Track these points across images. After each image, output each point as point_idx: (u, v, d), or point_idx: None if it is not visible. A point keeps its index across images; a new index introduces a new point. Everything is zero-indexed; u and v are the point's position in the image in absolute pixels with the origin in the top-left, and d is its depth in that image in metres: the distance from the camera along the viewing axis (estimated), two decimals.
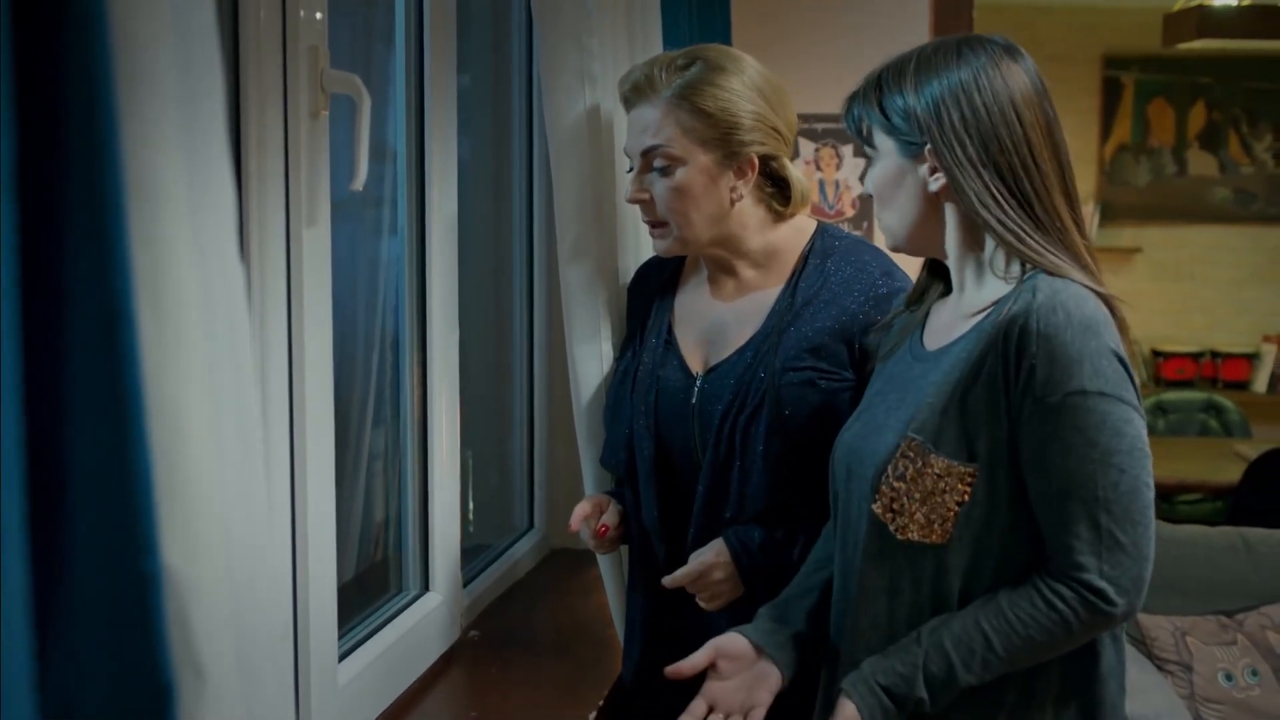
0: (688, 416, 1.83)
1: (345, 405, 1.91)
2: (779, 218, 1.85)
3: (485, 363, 2.61)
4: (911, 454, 1.45)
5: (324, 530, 1.63)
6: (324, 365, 1.60)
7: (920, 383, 1.50)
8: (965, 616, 1.44)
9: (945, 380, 1.46)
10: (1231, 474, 4.68)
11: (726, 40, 2.54)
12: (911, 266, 1.72)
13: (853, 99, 1.57)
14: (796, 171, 1.86)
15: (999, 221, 1.46)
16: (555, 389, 2.67)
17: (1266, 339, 6.74)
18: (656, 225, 1.83)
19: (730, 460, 1.78)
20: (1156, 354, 6.75)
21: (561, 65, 1.96)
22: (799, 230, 1.87)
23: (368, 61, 2.04)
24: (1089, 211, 6.41)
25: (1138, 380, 1.44)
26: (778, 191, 1.85)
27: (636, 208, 1.87)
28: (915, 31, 3.05)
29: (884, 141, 1.53)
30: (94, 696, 0.78)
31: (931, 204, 1.52)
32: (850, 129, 1.59)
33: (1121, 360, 1.41)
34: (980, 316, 1.49)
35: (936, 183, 1.49)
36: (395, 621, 1.97)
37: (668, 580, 1.80)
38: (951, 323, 1.54)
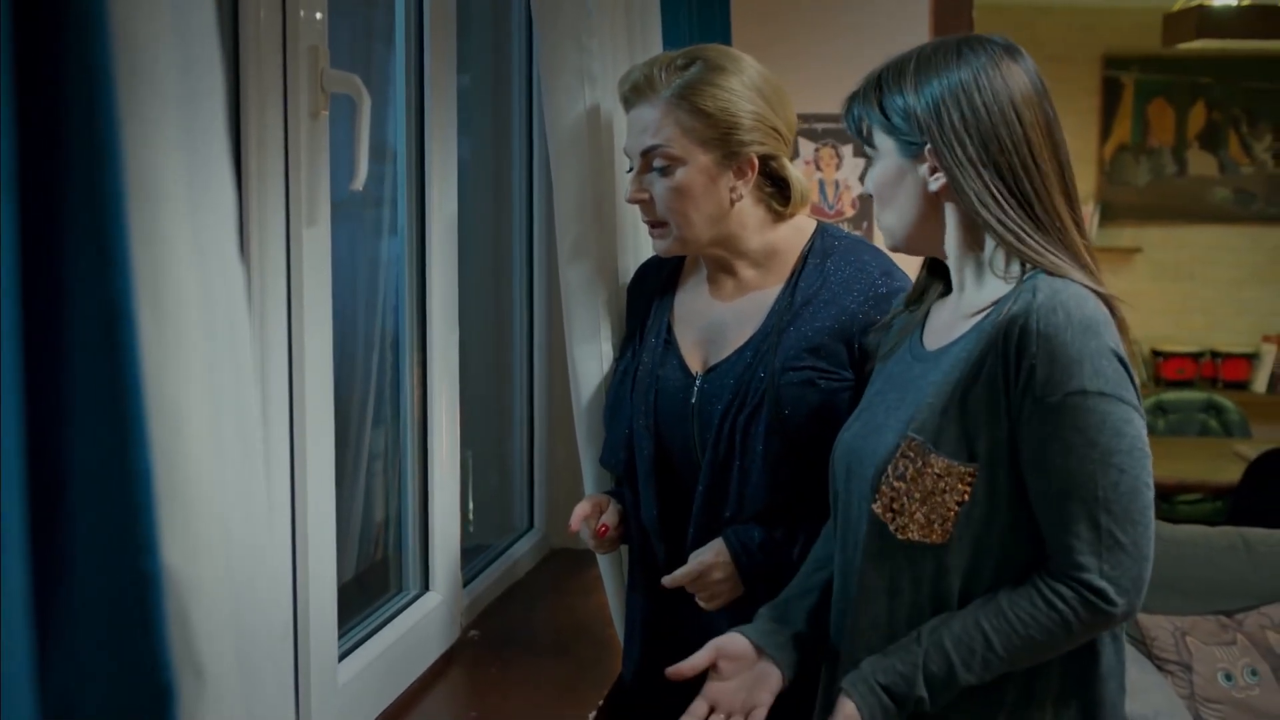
0: (687, 416, 1.83)
1: (345, 405, 1.91)
2: (779, 217, 1.85)
3: (485, 363, 2.61)
4: (911, 454, 1.45)
5: (324, 530, 1.64)
6: (324, 365, 1.60)
7: (920, 383, 1.50)
8: (965, 616, 1.44)
9: (945, 380, 1.46)
10: (1231, 474, 4.68)
11: (726, 40, 2.54)
12: (911, 266, 1.72)
13: (853, 99, 1.57)
14: (796, 171, 1.86)
15: (999, 221, 1.46)
16: (555, 389, 2.67)
17: (1266, 339, 6.74)
18: (656, 225, 1.83)
19: (730, 460, 1.78)
20: (1156, 354, 6.75)
21: (561, 65, 1.97)
22: (798, 230, 1.87)
23: (368, 61, 2.04)
24: (1089, 211, 6.41)
25: (1138, 380, 1.44)
26: (777, 191, 1.85)
27: (636, 208, 1.87)
28: (915, 31, 3.05)
29: (884, 141, 1.53)
30: (94, 696, 0.78)
31: (931, 204, 1.52)
32: (850, 129, 1.59)
33: (1121, 360, 1.41)
34: (980, 316, 1.49)
35: (936, 182, 1.49)
36: (395, 621, 1.97)
37: (667, 580, 1.80)
38: (951, 323, 1.55)
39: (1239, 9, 5.13)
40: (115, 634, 0.78)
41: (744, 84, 1.78)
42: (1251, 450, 4.81)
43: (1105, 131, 6.81)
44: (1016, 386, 1.40)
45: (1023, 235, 1.45)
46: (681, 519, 1.83)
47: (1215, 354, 6.76)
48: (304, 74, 1.51)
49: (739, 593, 1.78)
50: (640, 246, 2.05)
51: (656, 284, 1.96)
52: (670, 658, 1.60)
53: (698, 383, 1.84)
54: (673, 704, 1.59)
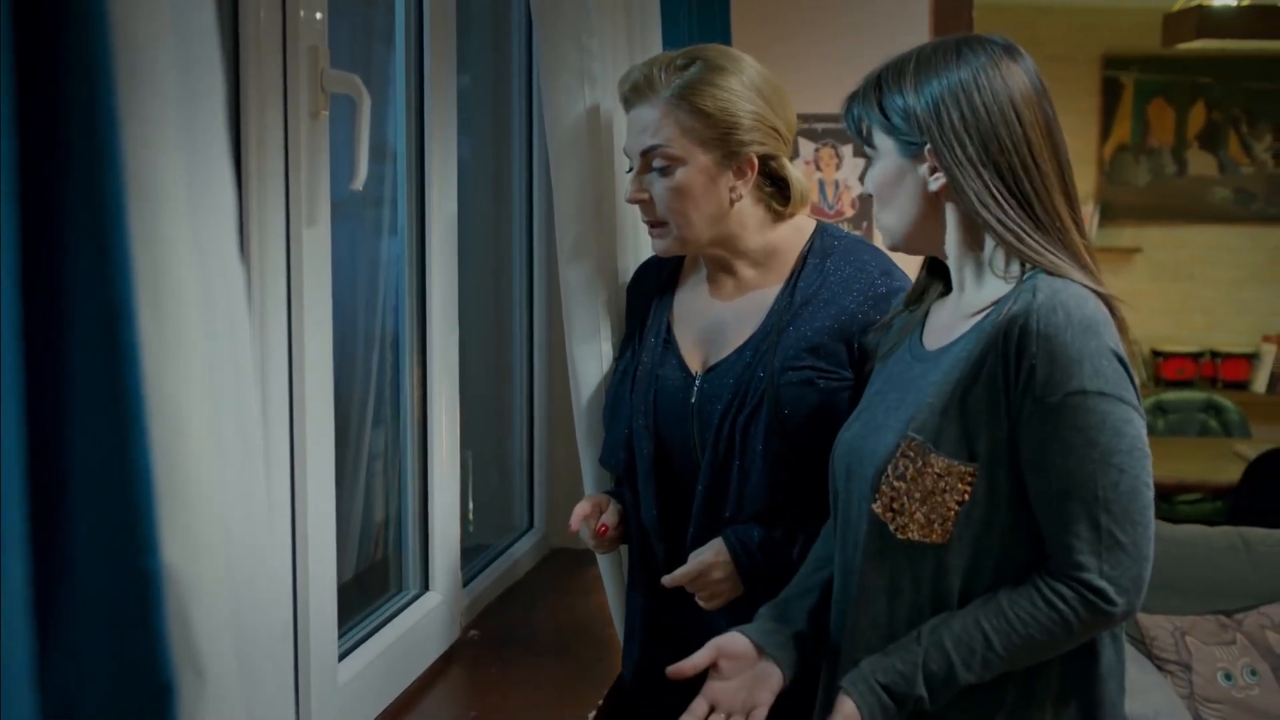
0: (687, 416, 1.83)
1: (345, 405, 1.91)
2: (778, 217, 1.85)
3: (485, 363, 2.61)
4: (912, 454, 1.45)
5: (324, 530, 1.64)
6: (324, 365, 1.60)
7: (920, 382, 1.50)
8: (965, 615, 1.45)
9: (945, 380, 1.46)
10: (1231, 474, 4.68)
11: (726, 40, 2.54)
12: (910, 266, 1.72)
13: (852, 99, 1.57)
14: (796, 171, 1.86)
15: (999, 221, 1.46)
16: (555, 389, 2.67)
17: (1266, 339, 6.74)
18: (656, 225, 1.84)
19: (729, 459, 1.79)
20: (1156, 354, 6.75)
21: (561, 65, 1.97)
22: (798, 230, 1.87)
23: (368, 61, 2.04)
24: (1089, 211, 6.41)
25: (1137, 380, 1.44)
26: (777, 191, 1.85)
27: (636, 208, 1.87)
28: (915, 31, 3.05)
29: (884, 141, 1.53)
30: (94, 695, 0.78)
31: (931, 204, 1.52)
32: (850, 129, 1.59)
33: (1121, 360, 1.42)
34: (980, 316, 1.49)
35: (936, 182, 1.50)
36: (395, 621, 1.97)
37: (667, 580, 1.80)
38: (951, 322, 1.55)
39: (1239, 9, 5.13)
40: (115, 633, 0.78)
41: (744, 84, 1.79)
42: (1251, 450, 4.81)
43: (1105, 131, 6.81)
44: (1016, 386, 1.40)
45: (1022, 235, 1.45)
46: (681, 519, 1.84)
47: (1215, 354, 6.76)
48: (304, 74, 1.51)
49: (739, 592, 1.78)
50: (640, 246, 2.05)
51: (656, 284, 1.96)
52: (670, 657, 1.59)
53: (697, 382, 1.84)
54: (673, 703, 1.59)
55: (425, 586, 2.10)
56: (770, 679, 1.57)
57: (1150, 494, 1.41)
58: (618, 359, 1.97)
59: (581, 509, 1.90)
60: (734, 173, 1.80)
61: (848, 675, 1.48)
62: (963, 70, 1.48)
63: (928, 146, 1.48)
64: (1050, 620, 1.41)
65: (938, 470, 1.43)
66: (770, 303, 1.83)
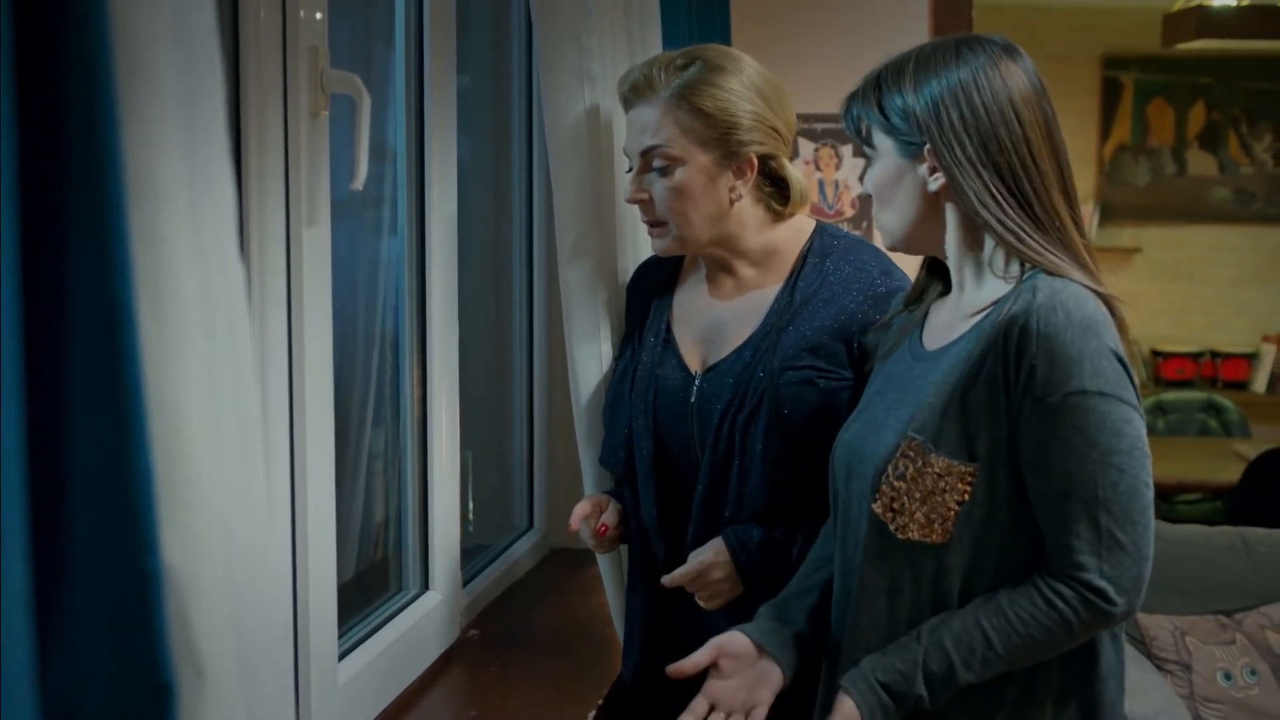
0: (686, 415, 1.83)
1: (345, 405, 1.91)
2: (778, 217, 1.86)
3: (485, 363, 2.61)
4: (912, 453, 1.45)
5: (324, 530, 1.64)
6: (324, 365, 1.60)
7: (920, 382, 1.50)
8: (965, 615, 1.45)
9: (945, 380, 1.46)
10: (1231, 474, 4.68)
11: (726, 40, 2.54)
12: (910, 266, 1.72)
13: (851, 99, 1.57)
14: (795, 171, 1.86)
15: (998, 221, 1.46)
16: (555, 389, 2.67)
17: (1266, 339, 6.74)
18: (655, 225, 1.84)
19: (729, 459, 1.79)
20: (1156, 354, 6.75)
21: (561, 65, 1.97)
22: (798, 230, 1.87)
23: (368, 61, 2.04)
24: (1088, 211, 6.41)
25: (1137, 380, 1.44)
26: (776, 191, 1.85)
27: (636, 208, 1.87)
28: (915, 31, 3.05)
29: (883, 141, 1.54)
30: (94, 695, 0.78)
31: (930, 204, 1.52)
32: (849, 129, 1.59)
33: (1121, 360, 1.42)
34: (980, 316, 1.49)
35: (936, 182, 1.50)
36: (395, 621, 1.97)
37: (667, 579, 1.80)
38: (951, 322, 1.55)
39: (1239, 9, 5.13)
40: (116, 633, 0.78)
41: (743, 84, 1.79)
42: (1251, 450, 4.81)
43: (1105, 131, 6.81)
44: (1016, 386, 1.40)
45: (1022, 235, 1.46)
46: (681, 518, 1.84)
47: (1215, 354, 6.76)
48: (304, 74, 1.51)
49: (738, 592, 1.78)
50: (640, 246, 2.05)
51: (656, 283, 1.96)
52: (670, 657, 1.60)
53: (697, 382, 1.84)
54: (672, 703, 1.59)
55: (425, 586, 2.10)
56: (770, 678, 1.57)
57: (1150, 494, 1.42)
58: (617, 359, 1.97)
59: (581, 509, 1.90)
60: (733, 173, 1.80)
61: (847, 674, 1.48)
62: (962, 70, 1.48)
63: (927, 146, 1.49)
64: (1050, 620, 1.41)
65: (938, 470, 1.43)
66: (770, 302, 1.83)
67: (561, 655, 2.14)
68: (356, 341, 2.01)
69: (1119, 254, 6.68)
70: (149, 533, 0.79)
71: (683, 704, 1.56)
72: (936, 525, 1.44)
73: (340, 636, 1.75)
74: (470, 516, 2.48)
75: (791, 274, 1.84)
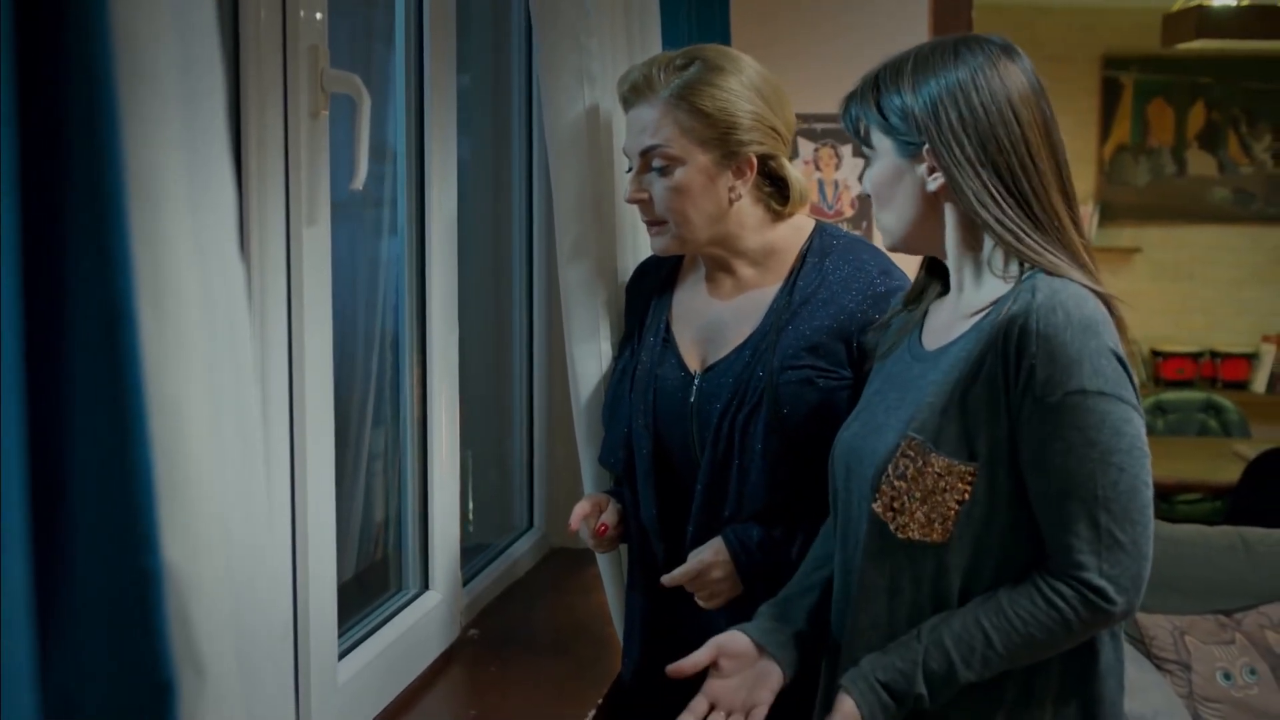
0: (686, 415, 1.83)
1: (345, 405, 1.91)
2: (777, 217, 1.86)
3: (485, 363, 2.61)
4: (912, 453, 1.45)
5: (324, 530, 1.64)
6: (324, 365, 1.60)
7: (920, 382, 1.51)
8: (965, 614, 1.45)
9: (945, 380, 1.46)
10: (1230, 474, 4.68)
11: (726, 40, 2.55)
12: (909, 265, 1.72)
13: (850, 99, 1.57)
14: (795, 171, 1.86)
15: (997, 221, 1.46)
16: (555, 389, 2.67)
17: (1266, 339, 6.74)
18: (655, 224, 1.84)
19: (729, 459, 1.79)
20: (1156, 354, 6.75)
21: (561, 65, 1.97)
22: (797, 229, 1.87)
23: (368, 61, 2.04)
24: (1088, 211, 6.42)
25: (1137, 380, 1.44)
26: (776, 191, 1.85)
27: (636, 207, 1.87)
28: (915, 31, 3.05)
29: (881, 141, 1.54)
30: (95, 694, 0.78)
31: (929, 204, 1.52)
32: (847, 129, 1.59)
33: (1121, 360, 1.42)
34: (979, 316, 1.49)
35: (935, 182, 1.50)
36: (395, 620, 1.97)
37: (666, 579, 1.80)
38: (950, 322, 1.55)
39: (1238, 9, 5.13)
40: (116, 632, 0.78)
41: (743, 84, 1.79)
42: (1251, 450, 4.81)
43: (1105, 131, 6.81)
44: (1016, 386, 1.41)
45: (1021, 234, 1.46)
46: (681, 518, 1.84)
47: (1215, 354, 6.76)
48: (304, 74, 1.51)
49: (738, 591, 1.78)
50: (640, 246, 2.05)
51: (655, 283, 1.96)
52: (669, 656, 1.60)
53: (696, 381, 1.84)
54: (672, 703, 1.59)
55: (425, 586, 2.10)
56: (770, 677, 1.58)
57: (1150, 493, 1.42)
58: (617, 358, 1.97)
59: (581, 508, 1.90)
60: (733, 172, 1.80)
61: (847, 674, 1.48)
62: (960, 70, 1.48)
63: (926, 146, 1.49)
64: (1050, 619, 1.42)
65: (938, 470, 1.43)
66: (769, 302, 1.83)
67: (561, 655, 2.14)
68: (356, 341, 2.01)
69: (1119, 254, 6.68)
70: (149, 532, 0.79)
71: (682, 703, 1.57)
72: (936, 525, 1.44)
73: (340, 636, 1.75)
74: (470, 516, 2.49)
75: (791, 273, 1.84)
